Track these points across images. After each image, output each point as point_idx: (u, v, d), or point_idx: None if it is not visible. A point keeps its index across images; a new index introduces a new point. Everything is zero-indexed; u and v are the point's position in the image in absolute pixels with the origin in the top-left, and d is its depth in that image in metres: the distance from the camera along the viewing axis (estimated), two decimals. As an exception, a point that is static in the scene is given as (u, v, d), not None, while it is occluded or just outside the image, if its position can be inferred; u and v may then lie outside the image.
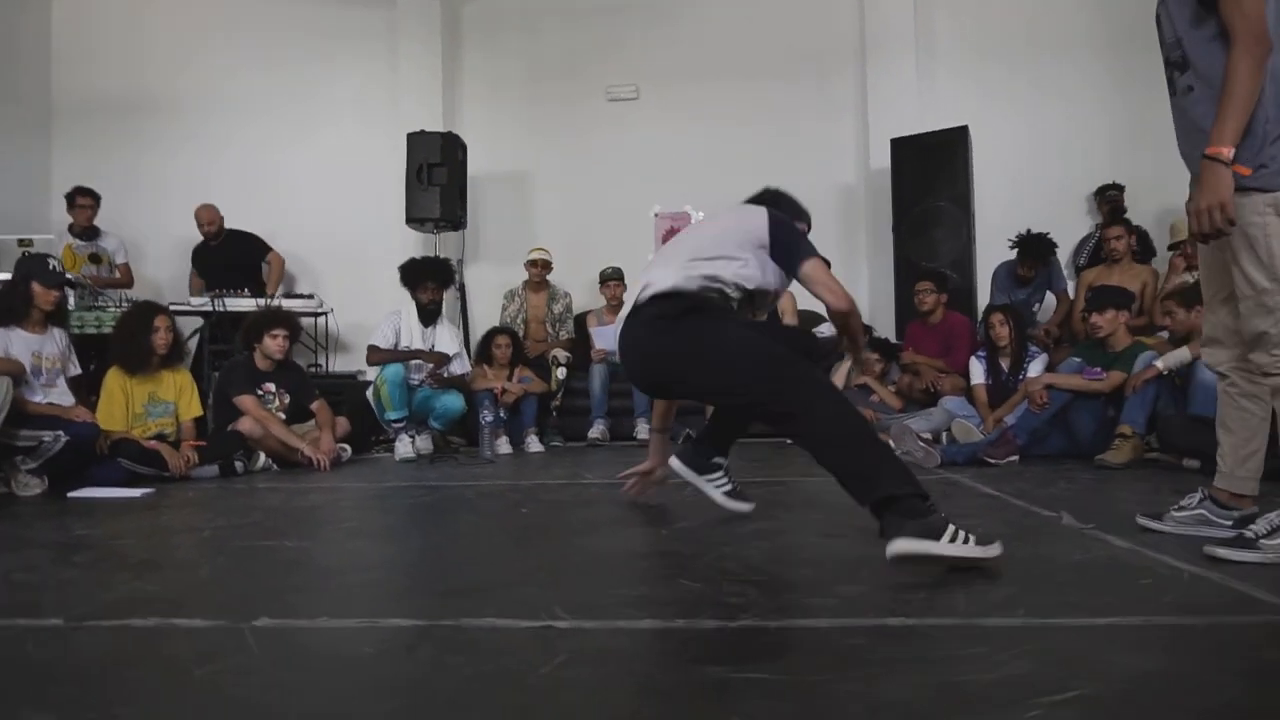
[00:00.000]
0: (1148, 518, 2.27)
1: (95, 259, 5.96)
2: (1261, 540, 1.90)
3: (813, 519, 2.64)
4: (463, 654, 1.36)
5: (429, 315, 5.13)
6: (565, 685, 1.21)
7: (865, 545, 2.15)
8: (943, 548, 1.76)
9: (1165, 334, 4.30)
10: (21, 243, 4.99)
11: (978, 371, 4.62)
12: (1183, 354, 3.70)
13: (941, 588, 1.71)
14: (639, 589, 1.79)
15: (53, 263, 3.88)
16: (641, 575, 1.93)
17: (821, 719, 1.09)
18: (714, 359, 2.14)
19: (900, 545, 1.76)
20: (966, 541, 1.79)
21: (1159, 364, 3.74)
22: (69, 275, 4.88)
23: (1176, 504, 2.25)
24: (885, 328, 5.91)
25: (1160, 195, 6.21)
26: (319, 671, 1.32)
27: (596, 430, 5.43)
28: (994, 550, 1.83)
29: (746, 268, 2.36)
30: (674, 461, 2.68)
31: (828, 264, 2.50)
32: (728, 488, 2.62)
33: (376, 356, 4.94)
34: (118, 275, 6.03)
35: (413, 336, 5.08)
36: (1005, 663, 1.26)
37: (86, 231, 5.95)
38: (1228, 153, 1.86)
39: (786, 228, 2.42)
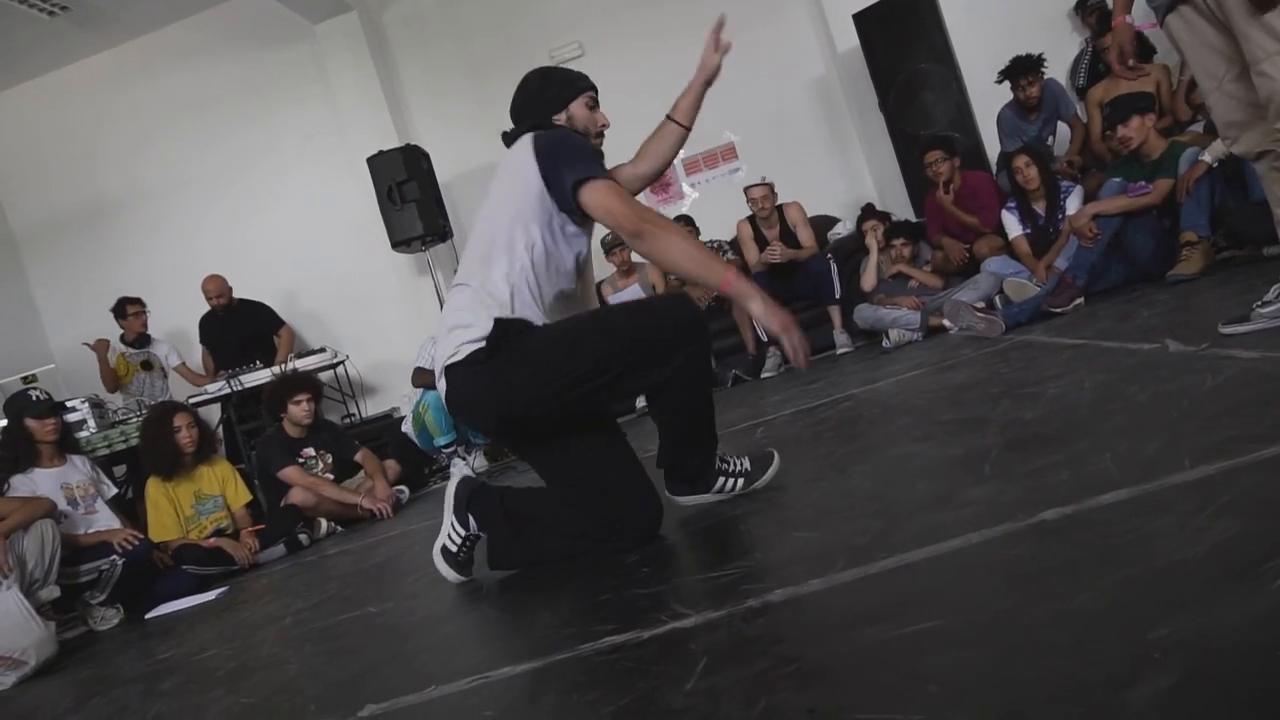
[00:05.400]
0: (1232, 323, 2.08)
1: (147, 365, 5.91)
2: (1256, 309, 1.99)
3: (902, 425, 2.45)
4: (593, 688, 1.19)
5: None
6: (721, 695, 1.04)
7: (972, 438, 1.96)
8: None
9: (1198, 126, 4.02)
10: (26, 380, 4.88)
11: (1013, 224, 4.36)
12: (1228, 140, 3.42)
13: (1082, 459, 1.51)
14: (752, 556, 1.62)
15: (35, 393, 3.76)
16: (748, 540, 1.75)
17: (1029, 662, 0.90)
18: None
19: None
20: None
21: (1205, 157, 3.46)
22: (82, 398, 4.82)
23: (1260, 300, 2.05)
24: (901, 209, 5.65)
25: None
26: (443, 754, 1.16)
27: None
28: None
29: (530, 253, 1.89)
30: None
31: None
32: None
33: (423, 379, 4.74)
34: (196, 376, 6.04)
35: None
36: (1206, 528, 1.07)
37: (139, 339, 5.90)
38: None
39: (553, 146, 1.91)
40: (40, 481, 3.65)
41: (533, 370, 1.81)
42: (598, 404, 1.93)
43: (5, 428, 3.84)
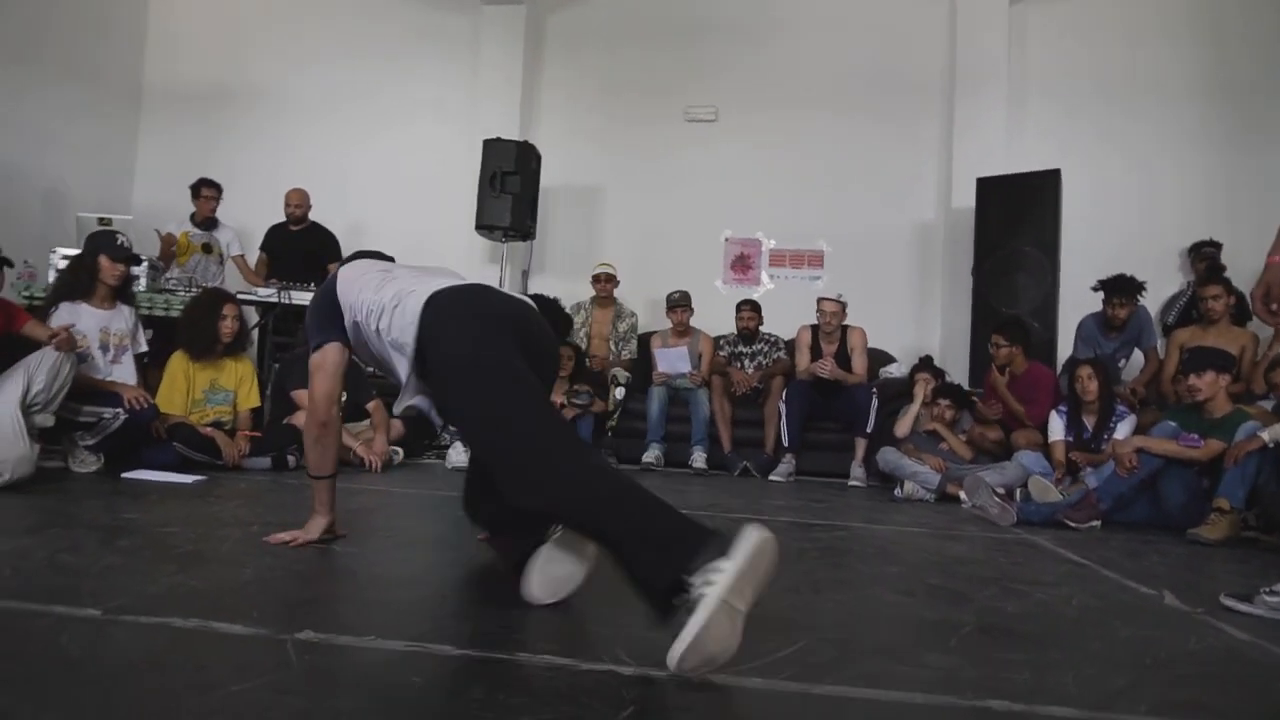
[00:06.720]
0: (1235, 599, 2.09)
1: (207, 248, 6.04)
2: (1261, 594, 2.01)
3: (888, 572, 2.46)
4: (520, 695, 1.23)
5: None
6: (635, 748, 1.07)
7: (950, 608, 1.98)
8: None
9: (1268, 403, 4.02)
10: (102, 220, 5.05)
11: (1058, 427, 4.36)
12: (1292, 427, 3.43)
13: (1047, 667, 1.53)
14: (706, 635, 1.64)
15: (121, 238, 3.89)
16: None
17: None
18: None
19: None
20: None
21: (1264, 435, 3.46)
22: (145, 256, 4.96)
23: (1269, 587, 2.06)
24: (958, 372, 5.68)
25: (1258, 257, 5.89)
26: (362, 698, 1.20)
27: (651, 454, 5.29)
28: None
29: None
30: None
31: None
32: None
33: None
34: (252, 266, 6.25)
35: None
36: (1141, 772, 1.09)
37: (206, 222, 6.05)
38: None
39: None
40: (84, 316, 3.76)
41: None
42: None
43: (77, 256, 3.99)
